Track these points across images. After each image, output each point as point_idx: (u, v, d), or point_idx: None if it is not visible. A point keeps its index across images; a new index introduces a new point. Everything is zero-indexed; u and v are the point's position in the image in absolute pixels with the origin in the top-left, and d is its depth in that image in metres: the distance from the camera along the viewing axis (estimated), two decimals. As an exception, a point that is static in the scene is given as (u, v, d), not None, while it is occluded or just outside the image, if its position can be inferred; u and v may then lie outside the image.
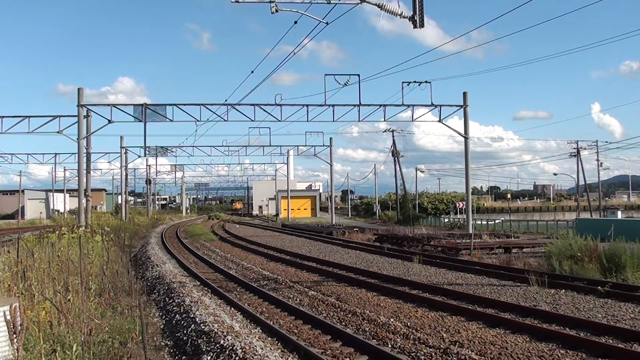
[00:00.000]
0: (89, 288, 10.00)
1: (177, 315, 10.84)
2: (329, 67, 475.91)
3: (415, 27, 14.22)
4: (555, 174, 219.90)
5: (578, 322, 10.10)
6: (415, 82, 31.03)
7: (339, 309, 11.85)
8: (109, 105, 32.33)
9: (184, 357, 8.37)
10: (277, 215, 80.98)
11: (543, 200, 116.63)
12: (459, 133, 34.71)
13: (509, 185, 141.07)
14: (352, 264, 20.09)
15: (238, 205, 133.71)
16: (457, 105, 33.91)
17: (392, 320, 10.52)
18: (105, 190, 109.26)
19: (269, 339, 9.15)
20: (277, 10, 15.52)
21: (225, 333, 8.44)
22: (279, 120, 33.48)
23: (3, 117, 33.57)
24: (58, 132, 32.91)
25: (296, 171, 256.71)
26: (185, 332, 9.41)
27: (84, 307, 8.52)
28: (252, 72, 23.72)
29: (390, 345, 8.79)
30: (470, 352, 8.23)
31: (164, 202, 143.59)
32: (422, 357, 8.10)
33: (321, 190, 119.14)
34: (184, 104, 32.46)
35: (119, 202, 71.11)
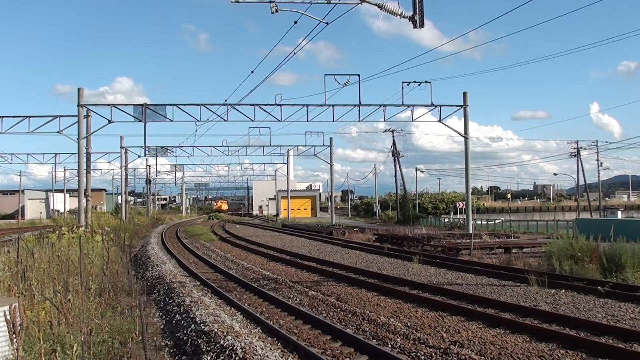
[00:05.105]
0: (89, 288, 10.00)
1: (177, 315, 10.84)
2: (326, 67, 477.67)
3: (415, 27, 14.23)
4: (555, 174, 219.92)
5: (578, 322, 10.09)
6: (415, 82, 31.07)
7: (339, 309, 11.84)
8: (109, 105, 32.38)
9: (184, 357, 8.37)
10: (277, 215, 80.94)
11: (543, 200, 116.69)
12: (459, 133, 34.72)
13: (509, 185, 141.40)
14: (352, 264, 20.08)
15: (222, 206, 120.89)
16: (457, 105, 33.93)
17: (392, 320, 10.52)
18: (105, 190, 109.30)
19: (269, 339, 9.15)
20: (277, 10, 15.53)
21: (225, 333, 8.44)
22: (279, 120, 33.54)
23: (3, 117, 33.64)
24: (58, 132, 32.94)
25: (296, 171, 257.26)
26: (185, 332, 9.40)
27: (84, 307, 8.51)
28: (252, 72, 23.76)
29: (390, 345, 8.78)
30: (470, 352, 8.23)
31: (164, 202, 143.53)
32: (422, 357, 8.09)
33: (321, 190, 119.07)
34: (184, 104, 32.53)
35: (119, 202, 71.11)
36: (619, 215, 51.63)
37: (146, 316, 10.28)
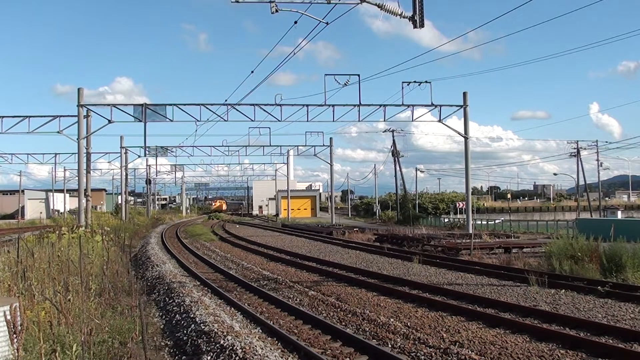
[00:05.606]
0: (89, 288, 10.00)
1: (177, 315, 10.84)
2: (325, 67, 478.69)
3: (415, 27, 14.24)
4: (555, 174, 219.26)
5: (578, 322, 10.09)
6: (415, 82, 31.06)
7: (339, 309, 11.84)
8: (109, 105, 32.38)
9: (184, 357, 8.37)
10: (277, 215, 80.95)
11: (543, 200, 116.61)
12: (458, 133, 34.72)
13: (509, 185, 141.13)
14: (352, 264, 20.08)
15: (222, 206, 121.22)
16: (457, 105, 33.92)
17: (392, 320, 10.52)
18: (105, 190, 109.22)
19: (269, 339, 9.14)
20: (277, 10, 15.53)
21: (225, 333, 8.44)
22: (279, 120, 33.54)
23: (3, 117, 33.65)
24: (58, 132, 32.95)
25: (296, 171, 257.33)
26: (185, 332, 9.41)
27: (84, 307, 8.51)
28: (252, 72, 23.77)
29: (390, 345, 8.78)
30: (470, 352, 8.23)
31: (164, 202, 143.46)
32: (422, 357, 8.09)
33: (321, 190, 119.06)
34: (184, 104, 32.53)
35: (119, 202, 71.10)
36: (619, 215, 51.64)
37: (146, 316, 10.28)
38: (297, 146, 55.67)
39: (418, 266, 19.09)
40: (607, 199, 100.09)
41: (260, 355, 7.28)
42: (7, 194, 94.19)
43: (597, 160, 60.66)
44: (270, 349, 8.01)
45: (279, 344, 8.85)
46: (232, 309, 11.92)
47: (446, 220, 55.53)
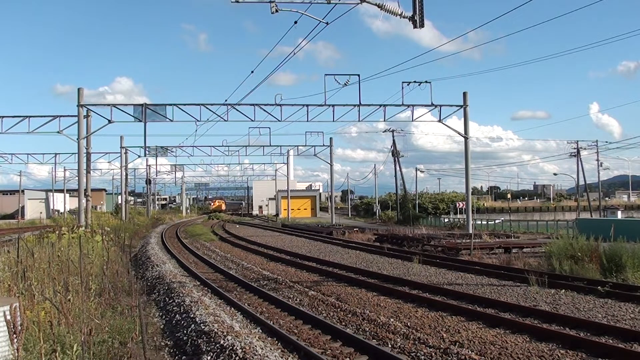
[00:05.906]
0: (89, 288, 10.00)
1: (177, 315, 10.84)
2: (326, 67, 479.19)
3: (415, 27, 14.24)
4: (555, 174, 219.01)
5: (578, 322, 10.09)
6: (415, 82, 31.06)
7: (339, 309, 11.84)
8: (109, 105, 32.37)
9: (184, 357, 8.37)
10: (277, 215, 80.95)
11: (543, 200, 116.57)
12: (459, 133, 34.72)
13: (509, 185, 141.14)
14: (352, 264, 20.08)
15: (222, 205, 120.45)
16: (457, 105, 33.92)
17: (392, 320, 10.52)
18: (105, 190, 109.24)
19: (269, 339, 9.14)
20: (277, 10, 15.54)
21: (225, 333, 8.44)
22: (279, 120, 33.54)
23: (3, 117, 33.65)
24: (58, 132, 32.95)
25: (296, 171, 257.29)
26: (185, 332, 9.40)
27: (84, 307, 8.51)
28: (252, 72, 23.77)
29: (390, 345, 8.78)
30: (470, 352, 8.23)
31: (164, 202, 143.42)
32: (422, 357, 8.09)
33: (321, 190, 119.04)
34: (184, 104, 32.53)
35: (119, 202, 71.11)
36: (619, 215, 51.64)
37: (146, 316, 10.29)
38: (297, 146, 55.75)
39: (418, 266, 19.09)
40: (607, 199, 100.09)
41: (260, 355, 7.28)
42: (7, 194, 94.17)
43: (597, 160, 60.72)
44: (270, 349, 8.01)
45: (279, 344, 8.85)
46: (232, 309, 11.92)
47: (446, 220, 55.53)
